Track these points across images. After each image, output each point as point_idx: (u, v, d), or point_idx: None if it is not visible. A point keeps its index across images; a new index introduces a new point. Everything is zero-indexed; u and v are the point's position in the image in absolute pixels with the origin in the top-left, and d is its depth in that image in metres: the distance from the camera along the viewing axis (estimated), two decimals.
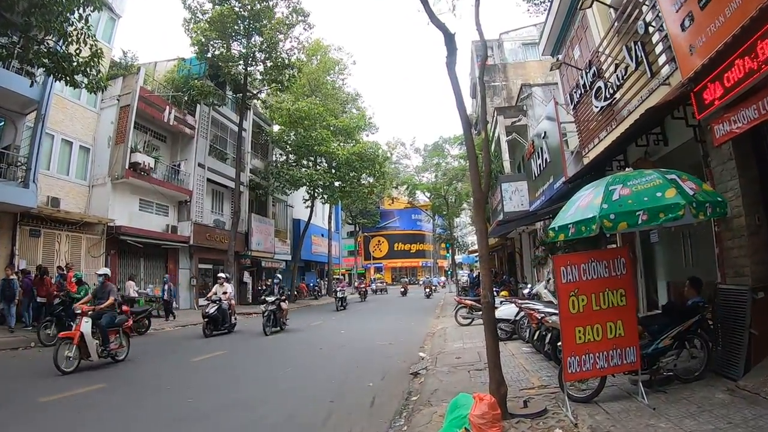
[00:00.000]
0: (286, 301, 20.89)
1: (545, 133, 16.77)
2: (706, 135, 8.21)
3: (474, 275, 40.28)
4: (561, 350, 9.03)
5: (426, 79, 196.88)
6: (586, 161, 13.67)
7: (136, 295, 23.98)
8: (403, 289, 51.72)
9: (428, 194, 40.62)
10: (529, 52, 36.98)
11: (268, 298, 19.15)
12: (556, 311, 9.88)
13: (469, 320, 18.61)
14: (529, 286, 18.57)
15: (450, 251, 50.62)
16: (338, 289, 32.56)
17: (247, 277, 36.58)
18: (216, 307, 18.44)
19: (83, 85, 15.29)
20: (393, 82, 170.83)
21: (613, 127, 11.75)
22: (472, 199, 31.23)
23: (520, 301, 13.42)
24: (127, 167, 25.45)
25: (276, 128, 40.98)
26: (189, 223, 30.67)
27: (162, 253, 29.71)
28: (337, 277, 47.45)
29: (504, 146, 25.74)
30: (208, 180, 33.60)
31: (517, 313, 13.40)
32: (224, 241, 32.62)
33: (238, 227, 35.25)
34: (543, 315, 10.15)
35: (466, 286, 35.93)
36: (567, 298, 6.79)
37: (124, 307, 17.05)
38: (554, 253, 19.31)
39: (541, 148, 17.27)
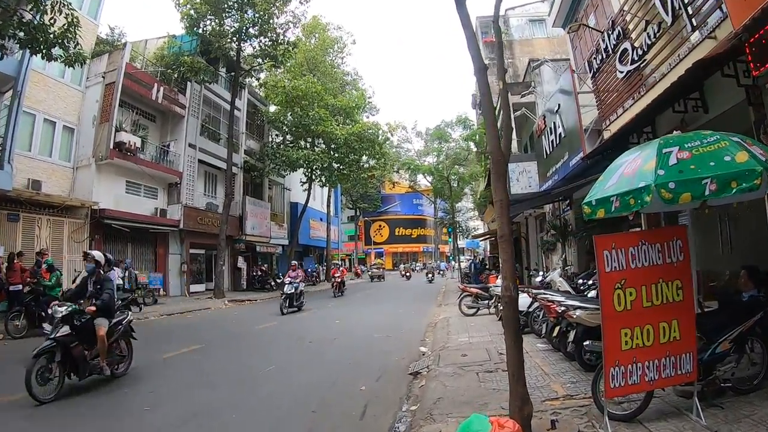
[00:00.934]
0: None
1: (558, 106, 15.34)
2: (763, 96, 6.82)
3: (477, 261, 38.96)
4: (588, 350, 7.80)
5: (428, 61, 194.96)
6: (607, 135, 12.27)
7: (121, 283, 22.66)
8: (407, 274, 51.59)
9: (430, 177, 38.75)
10: (536, 29, 35.29)
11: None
12: (581, 304, 8.54)
13: (474, 310, 17.27)
14: (541, 273, 17.09)
15: (452, 236, 48.98)
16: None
17: (241, 263, 35.20)
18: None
19: (61, 59, 14.23)
20: (395, 64, 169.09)
21: (642, 93, 10.32)
22: (474, 183, 29.81)
23: (534, 291, 11.91)
24: (111, 147, 24.13)
25: (273, 109, 39.23)
26: (179, 207, 29.25)
27: (151, 237, 28.43)
28: (335, 263, 45.99)
29: (510, 124, 24.12)
30: (200, 161, 32.17)
31: (530, 304, 11.96)
32: (217, 225, 31.23)
33: (232, 210, 34.06)
34: (565, 308, 8.69)
35: (469, 273, 34.52)
36: (612, 292, 5.33)
37: None
38: (566, 239, 18.02)
39: (554, 124, 15.84)
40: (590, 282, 11.19)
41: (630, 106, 10.89)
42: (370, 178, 68.66)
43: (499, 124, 6.54)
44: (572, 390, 7.26)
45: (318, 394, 8.14)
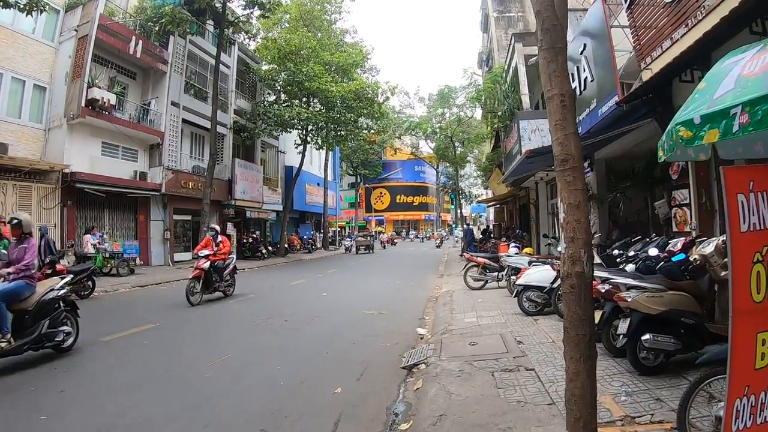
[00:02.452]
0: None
1: (584, 47, 13.00)
2: None
3: (475, 228, 36.97)
4: (648, 347, 5.66)
5: (432, 23, 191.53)
6: (647, 76, 10.02)
7: (94, 251, 20.67)
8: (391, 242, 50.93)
9: (432, 143, 36.20)
10: None
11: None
12: (637, 282, 6.34)
13: (482, 282, 15.12)
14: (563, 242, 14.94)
15: (455, 202, 46.74)
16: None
17: (230, 229, 32.76)
18: None
19: (18, 7, 13.07)
20: (396, 26, 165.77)
21: (700, 17, 8.03)
22: (478, 148, 27.37)
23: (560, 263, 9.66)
24: (83, 105, 21.90)
25: (266, 68, 36.59)
26: (161, 169, 26.99)
27: (130, 203, 26.40)
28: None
29: (522, 78, 21.98)
30: (186, 122, 29.83)
31: (554, 280, 9.75)
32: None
33: (221, 174, 32.34)
34: (610, 287, 6.46)
35: (474, 242, 32.43)
36: (749, 268, 3.08)
37: (59, 266, 14.25)
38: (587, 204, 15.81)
39: (577, 70, 13.53)
40: (631, 253, 8.92)
41: (682, 36, 8.61)
42: (371, 143, 67.63)
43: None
44: (631, 407, 5.02)
45: (274, 401, 5.98)
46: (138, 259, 24.07)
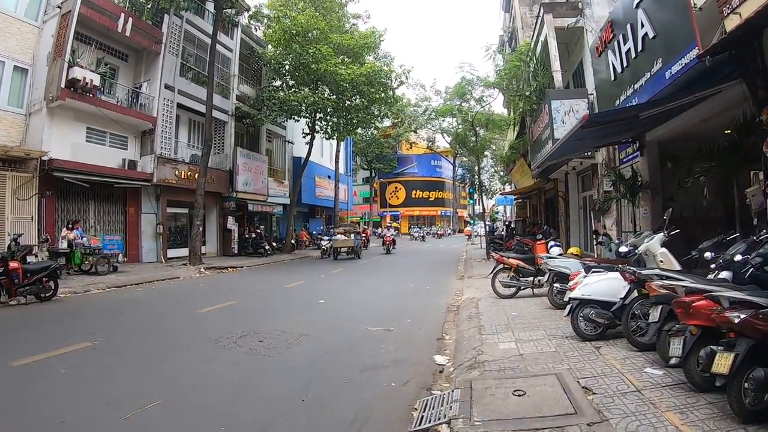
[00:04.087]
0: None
1: None
2: None
3: (506, 223, 34.34)
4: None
5: (448, 13, 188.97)
6: (731, 24, 7.42)
7: (66, 247, 18.58)
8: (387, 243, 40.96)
9: (454, 117, 33.05)
10: None
11: None
12: (744, 296, 3.88)
13: (513, 289, 12.41)
14: (621, 241, 12.29)
15: (475, 196, 43.49)
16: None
17: (231, 224, 30.42)
18: None
19: None
20: (412, 16, 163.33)
21: None
22: (499, 135, 24.65)
23: (647, 272, 6.88)
24: (63, 86, 19.64)
25: (271, 51, 33.88)
26: (152, 158, 24.65)
27: (119, 194, 24.12)
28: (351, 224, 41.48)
29: (554, 53, 19.31)
30: (183, 107, 27.51)
31: (628, 294, 7.09)
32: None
33: (221, 164, 30.29)
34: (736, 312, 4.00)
35: (497, 238, 29.76)
36: None
37: (12, 263, 12.47)
38: (635, 195, 13.24)
39: (630, 28, 10.91)
40: (733, 256, 6.28)
41: None
42: (386, 137, 65.57)
43: None
44: None
45: None
46: (121, 255, 21.55)
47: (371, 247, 40.38)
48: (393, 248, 35.51)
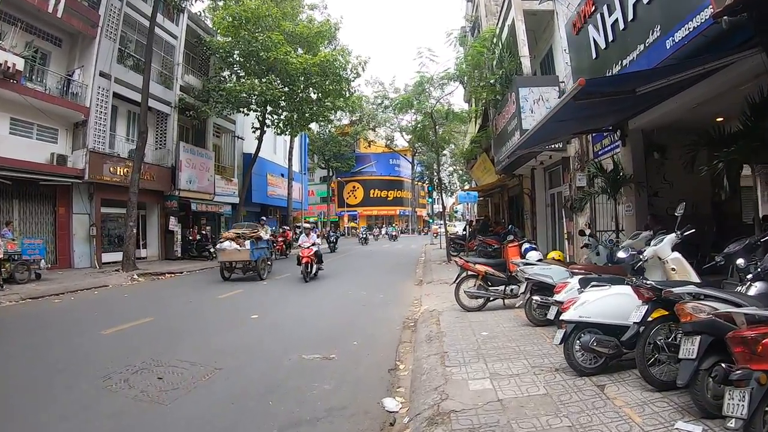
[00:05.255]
0: None
1: None
2: None
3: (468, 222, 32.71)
4: None
5: (409, 9, 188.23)
6: None
7: None
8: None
9: (415, 119, 31.12)
10: None
11: None
12: None
13: (482, 300, 10.56)
14: (605, 242, 10.53)
15: (435, 195, 41.67)
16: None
17: (174, 225, 28.03)
18: None
19: None
20: (371, 12, 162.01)
21: None
22: (456, 135, 22.81)
23: (680, 289, 4.93)
24: None
25: (221, 39, 31.68)
26: (83, 152, 22.30)
27: (49, 193, 21.97)
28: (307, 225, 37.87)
29: (521, 36, 17.76)
30: (120, 97, 25.12)
31: (645, 316, 5.26)
32: (144, 177, 24.65)
33: (163, 160, 28.06)
34: None
35: (459, 239, 28.06)
36: None
37: None
38: (617, 190, 11.62)
39: None
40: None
41: None
42: (344, 135, 63.97)
43: None
44: None
45: None
46: (43, 261, 19.16)
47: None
48: (313, 273, 18.15)
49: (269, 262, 20.43)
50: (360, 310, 12.06)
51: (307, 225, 17.04)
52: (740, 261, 5.47)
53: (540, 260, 9.58)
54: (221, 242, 19.06)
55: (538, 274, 8.62)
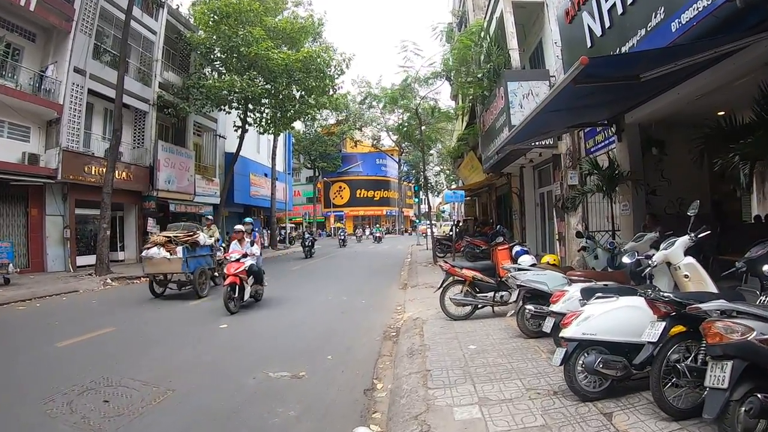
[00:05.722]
0: None
1: None
2: None
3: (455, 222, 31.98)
4: None
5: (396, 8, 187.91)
6: None
7: None
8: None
9: (401, 118, 30.18)
10: None
11: None
12: None
13: (469, 308, 9.71)
14: (625, 243, 9.59)
15: (421, 194, 40.85)
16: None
17: (152, 226, 26.97)
18: None
19: None
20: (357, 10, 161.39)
21: None
22: (442, 136, 21.76)
23: (710, 305, 4.06)
24: None
25: (202, 35, 30.77)
26: (56, 151, 21.39)
27: (20, 193, 21.02)
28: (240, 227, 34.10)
29: (510, 29, 17.04)
30: (96, 94, 24.17)
31: (662, 335, 4.46)
32: (121, 177, 23.96)
33: (142, 159, 27.15)
34: None
35: (445, 239, 27.24)
36: None
37: None
38: (612, 188, 10.89)
39: None
40: None
41: None
42: (330, 134, 63.36)
43: None
44: None
45: None
46: (12, 265, 18.19)
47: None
48: (245, 299, 12.37)
49: (215, 275, 16.06)
50: (339, 317, 11.25)
51: (241, 227, 13.45)
52: (767, 267, 4.74)
53: (533, 265, 8.66)
54: (147, 248, 14.52)
55: (531, 280, 7.80)
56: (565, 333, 5.04)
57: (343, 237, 46.13)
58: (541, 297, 7.51)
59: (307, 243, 31.32)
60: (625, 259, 6.50)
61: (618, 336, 4.90)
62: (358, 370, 7.15)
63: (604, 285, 5.80)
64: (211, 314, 11.77)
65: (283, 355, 7.92)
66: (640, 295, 4.97)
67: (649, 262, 5.80)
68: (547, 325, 6.64)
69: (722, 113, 9.04)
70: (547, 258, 9.29)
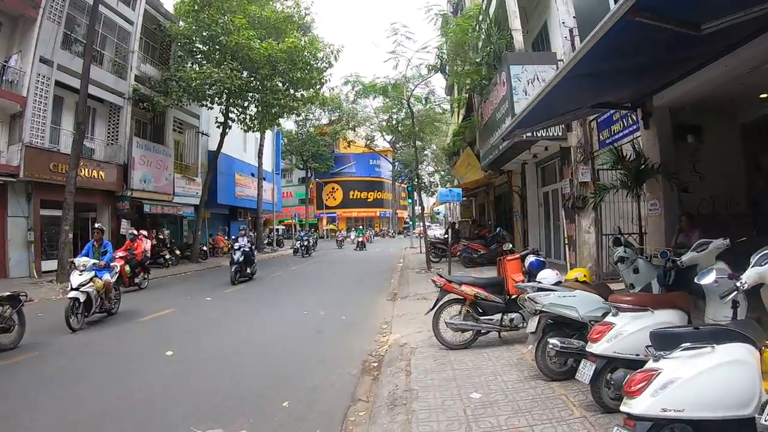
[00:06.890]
0: None
1: None
2: None
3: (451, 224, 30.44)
4: None
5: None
6: None
7: None
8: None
9: (387, 94, 28.24)
10: None
11: None
12: None
13: (469, 334, 7.65)
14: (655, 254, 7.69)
15: (413, 195, 38.91)
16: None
17: (125, 228, 25.07)
18: None
19: None
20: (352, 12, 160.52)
21: None
22: (437, 135, 19.65)
23: None
24: None
25: (182, 25, 29.03)
26: (18, 147, 19.75)
27: None
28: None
29: (512, 7, 15.43)
30: (65, 87, 22.34)
31: None
32: (92, 175, 22.54)
33: (116, 157, 25.30)
34: None
35: (440, 243, 25.46)
36: None
37: None
38: (640, 183, 8.94)
39: None
40: None
41: None
42: (323, 134, 61.95)
43: None
44: None
45: None
46: None
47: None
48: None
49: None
50: (312, 339, 9.39)
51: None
52: None
53: (557, 282, 6.54)
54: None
55: (556, 304, 5.78)
56: (636, 408, 3.05)
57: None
58: (566, 324, 5.67)
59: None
60: (706, 280, 4.35)
61: (715, 411, 3.01)
62: (319, 426, 5.24)
63: (694, 329, 3.70)
64: (160, 336, 9.95)
65: (225, 399, 6.04)
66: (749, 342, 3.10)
67: (737, 283, 3.85)
68: (585, 372, 4.52)
69: (765, 95, 8.05)
70: (576, 273, 7.10)
